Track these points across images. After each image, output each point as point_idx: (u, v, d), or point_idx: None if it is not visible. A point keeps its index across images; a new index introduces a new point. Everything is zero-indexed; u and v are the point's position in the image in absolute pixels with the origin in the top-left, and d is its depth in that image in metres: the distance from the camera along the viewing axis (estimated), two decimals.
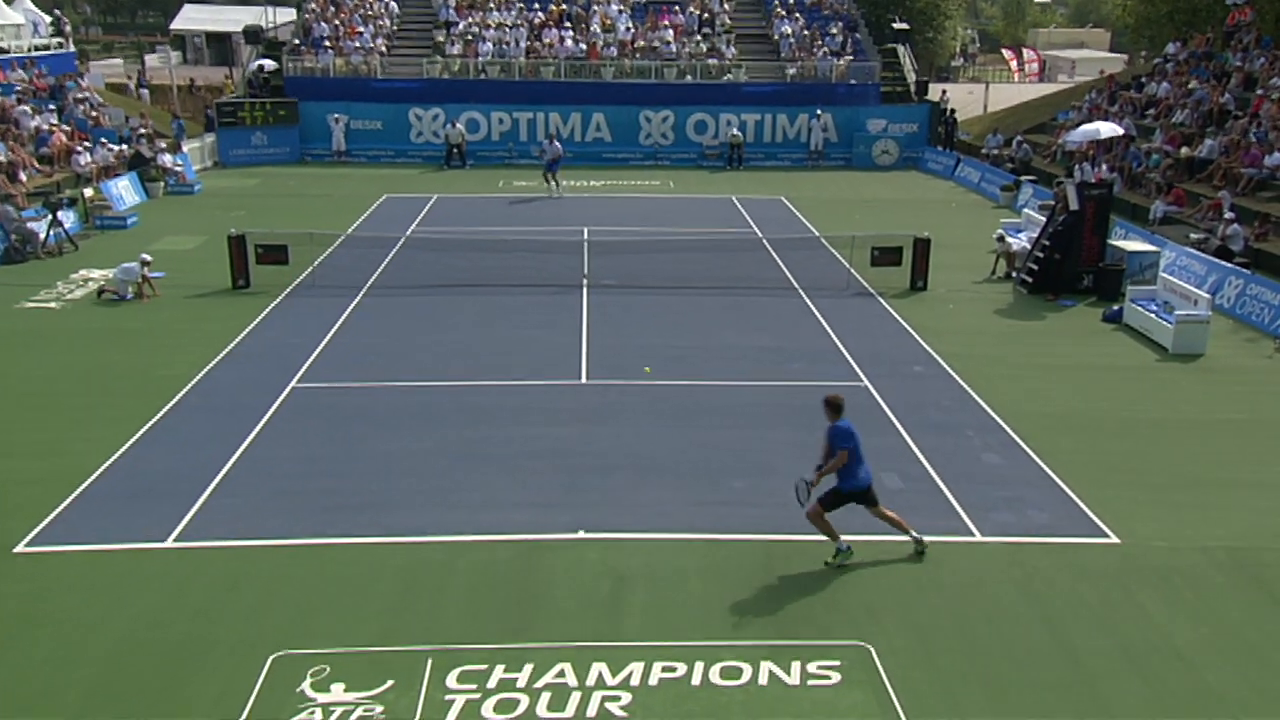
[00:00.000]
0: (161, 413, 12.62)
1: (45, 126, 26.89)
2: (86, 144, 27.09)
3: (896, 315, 17.36)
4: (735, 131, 33.40)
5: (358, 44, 34.95)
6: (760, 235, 23.17)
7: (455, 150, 32.60)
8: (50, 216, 20.87)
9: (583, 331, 16.14)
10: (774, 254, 21.27)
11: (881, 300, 18.27)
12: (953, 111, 35.44)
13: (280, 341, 15.39)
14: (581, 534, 9.90)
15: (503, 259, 19.96)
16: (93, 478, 10.85)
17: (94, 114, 29.71)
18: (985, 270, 20.28)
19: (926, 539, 9.81)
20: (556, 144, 28.10)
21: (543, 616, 8.60)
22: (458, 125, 32.58)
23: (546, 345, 15.46)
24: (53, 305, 17.32)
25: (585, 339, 15.78)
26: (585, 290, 18.44)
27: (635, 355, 15.07)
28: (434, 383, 13.85)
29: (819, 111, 33.63)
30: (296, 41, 34.84)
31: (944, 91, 37.58)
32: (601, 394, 13.55)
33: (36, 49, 32.94)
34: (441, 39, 35.40)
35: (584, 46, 35.36)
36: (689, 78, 34.99)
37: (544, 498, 10.60)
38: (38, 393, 13.34)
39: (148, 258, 17.76)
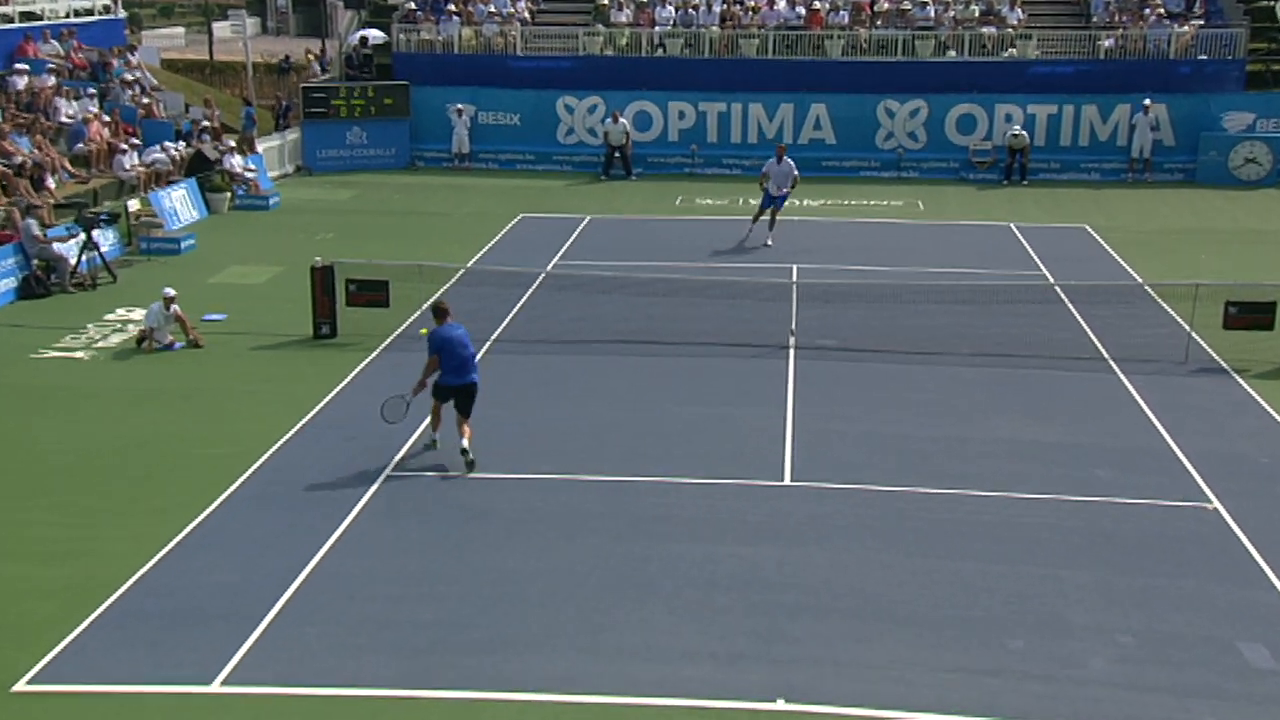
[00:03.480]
0: (215, 504, 13.41)
1: (82, 116, 29.26)
2: (134, 140, 29.46)
3: (1264, 404, 16.62)
4: (1018, 130, 33.02)
5: (492, 8, 36.75)
6: (1052, 280, 22.65)
7: (617, 154, 33.65)
8: (84, 236, 22.62)
9: (787, 411, 16.19)
10: (1072, 308, 20.79)
11: (1240, 381, 17.53)
12: None
13: (375, 411, 16.13)
14: (781, 704, 9.84)
15: (678, 307, 20.31)
16: (120, 591, 11.55)
17: (145, 101, 32.30)
18: None
19: None
20: (789, 161, 25.69)
21: None
22: (621, 120, 33.62)
23: (736, 429, 15.57)
24: (80, 355, 18.78)
25: (790, 422, 15.82)
26: (793, 353, 18.52)
27: (863, 448, 14.98)
28: (579, 476, 14.16)
29: (1147, 101, 32.84)
30: (411, 5, 36.94)
31: None
32: (813, 501, 13.52)
33: (76, 14, 35.44)
34: (606, 3, 36.80)
35: (801, 11, 35.98)
36: (951, 53, 34.93)
37: (728, 647, 10.62)
38: (56, 472, 14.41)
39: (170, 292, 18.90)
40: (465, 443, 14.22)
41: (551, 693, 9.96)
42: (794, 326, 19.25)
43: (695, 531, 12.79)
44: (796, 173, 25.76)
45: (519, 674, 10.21)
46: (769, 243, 25.41)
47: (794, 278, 22.21)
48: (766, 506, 13.44)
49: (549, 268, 23.42)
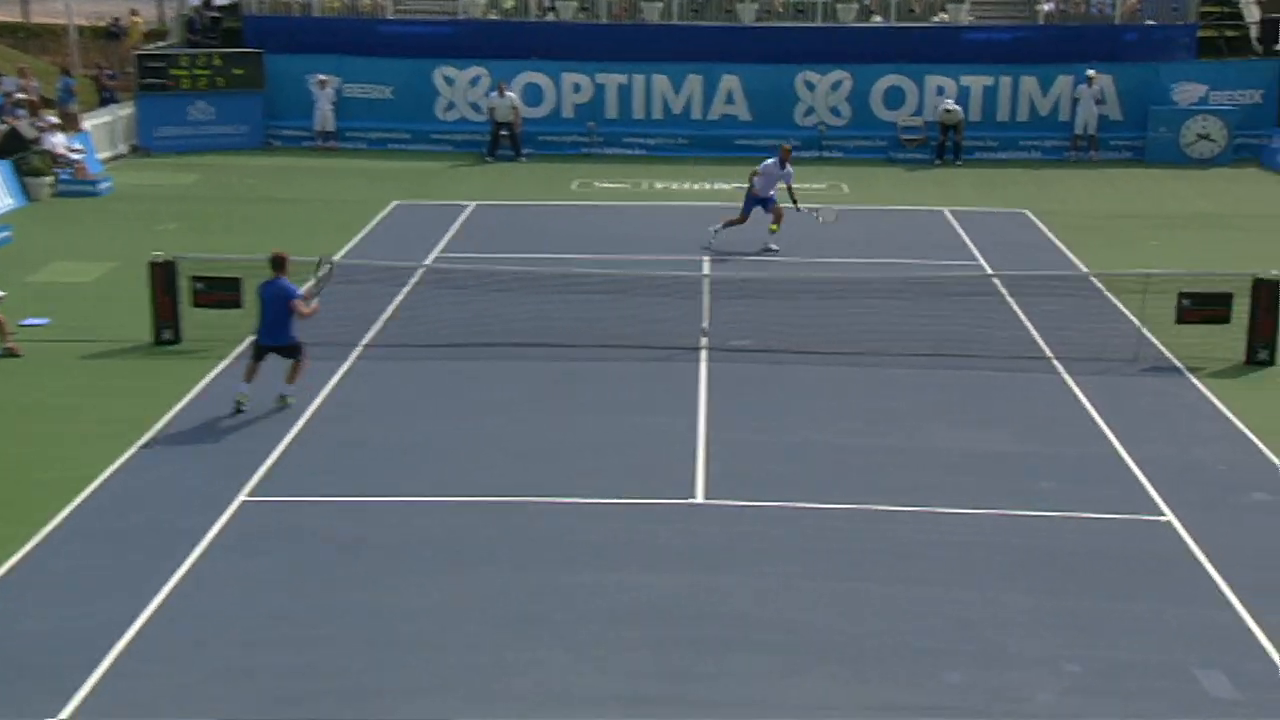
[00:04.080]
0: (35, 539, 13.05)
1: None
2: None
3: (1221, 406, 17.03)
4: (950, 105, 33.51)
5: None
6: (990, 271, 23.03)
7: (504, 132, 33.58)
8: None
9: (699, 421, 16.25)
10: (1012, 302, 21.15)
11: (1195, 381, 17.96)
12: None
13: (226, 428, 15.92)
14: None
15: (575, 305, 20.29)
16: None
17: None
18: None
19: None
20: (789, 169, 24.53)
21: None
22: (508, 93, 33.52)
23: (642, 441, 15.61)
24: None
25: (703, 433, 15.87)
26: (705, 355, 18.62)
27: (783, 460, 15.09)
28: (465, 498, 14.09)
29: (1091, 72, 33.54)
30: None
31: None
32: (729, 522, 13.58)
33: None
34: None
35: None
36: (877, 18, 35.37)
37: (635, 689, 10.62)
38: None
39: None
40: (288, 386, 16.40)
41: None
42: (706, 326, 19.33)
43: (597, 558, 12.78)
44: (791, 183, 24.50)
45: None
46: (819, 215, 24.50)
47: (705, 271, 22.32)
48: (676, 528, 13.46)
49: (429, 261, 23.34)
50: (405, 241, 24.96)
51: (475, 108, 34.55)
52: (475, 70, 34.57)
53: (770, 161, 24.70)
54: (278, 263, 16.28)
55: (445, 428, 16.07)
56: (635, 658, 11.03)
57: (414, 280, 21.76)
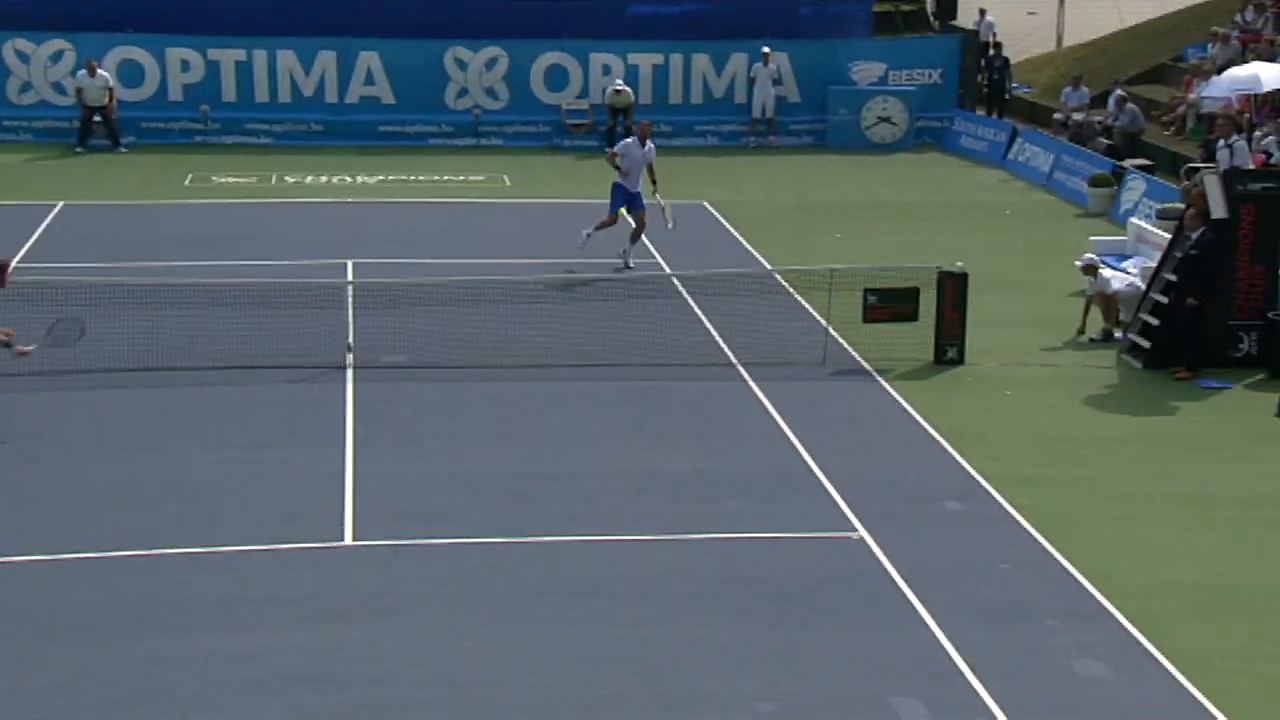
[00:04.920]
0: None
1: None
2: None
3: (911, 410, 17.81)
4: (619, 86, 34.11)
5: None
6: (668, 270, 23.57)
7: (98, 118, 32.63)
8: None
9: (347, 450, 16.12)
10: (692, 302, 21.69)
11: (884, 383, 18.76)
12: (999, 47, 36.91)
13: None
14: None
15: (195, 320, 19.76)
16: None
17: None
18: (1066, 328, 21.08)
19: None
20: (651, 145, 24.46)
21: None
22: (101, 72, 32.60)
23: (279, 478, 15.38)
24: None
25: (351, 465, 15.75)
26: (351, 374, 18.46)
27: (446, 492, 15.09)
28: (55, 556, 13.52)
29: (766, 50, 34.66)
30: None
31: (984, 12, 39.20)
32: (384, 565, 13.48)
33: None
34: None
35: None
36: None
37: None
38: None
39: None
40: None
41: None
42: (351, 340, 19.18)
43: (228, 617, 12.45)
44: (652, 160, 24.22)
45: None
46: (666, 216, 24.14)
47: (349, 276, 22.12)
48: (322, 576, 13.27)
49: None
50: None
51: (59, 89, 33.39)
52: (56, 44, 33.45)
53: (629, 141, 24.77)
54: None
55: (31, 473, 15.45)
56: None
57: None
